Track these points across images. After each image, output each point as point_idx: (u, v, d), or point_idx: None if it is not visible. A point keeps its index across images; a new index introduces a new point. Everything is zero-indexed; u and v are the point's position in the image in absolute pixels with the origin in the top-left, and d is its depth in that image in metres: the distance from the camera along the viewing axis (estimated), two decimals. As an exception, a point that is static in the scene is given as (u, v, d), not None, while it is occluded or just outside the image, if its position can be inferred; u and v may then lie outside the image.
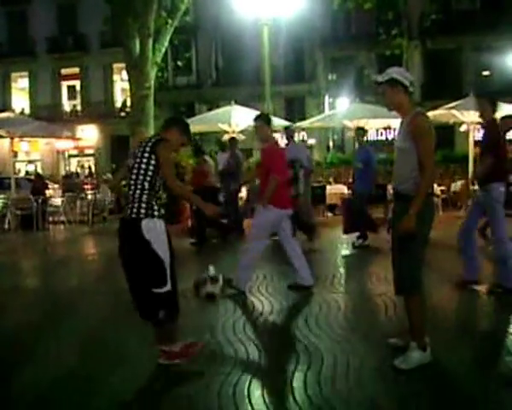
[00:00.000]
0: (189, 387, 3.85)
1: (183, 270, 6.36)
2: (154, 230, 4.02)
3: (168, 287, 4.07)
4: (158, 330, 4.23)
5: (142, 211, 4.02)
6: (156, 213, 4.06)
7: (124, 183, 4.42)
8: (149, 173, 4.05)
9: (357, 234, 9.76)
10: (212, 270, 5.84)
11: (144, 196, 4.05)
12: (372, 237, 9.60)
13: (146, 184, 4.05)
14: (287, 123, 18.84)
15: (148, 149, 4.09)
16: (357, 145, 11.12)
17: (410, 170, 4.03)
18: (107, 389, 3.89)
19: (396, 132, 4.46)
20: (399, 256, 4.13)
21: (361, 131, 10.32)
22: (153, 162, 4.04)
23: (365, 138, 10.57)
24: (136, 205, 4.05)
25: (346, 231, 10.06)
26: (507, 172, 6.47)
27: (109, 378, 4.08)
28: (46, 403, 3.73)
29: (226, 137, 15.76)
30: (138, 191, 4.06)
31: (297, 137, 30.59)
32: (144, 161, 4.06)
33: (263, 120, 6.53)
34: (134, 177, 4.10)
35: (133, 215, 4.04)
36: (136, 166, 4.09)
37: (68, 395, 3.82)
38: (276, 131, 10.04)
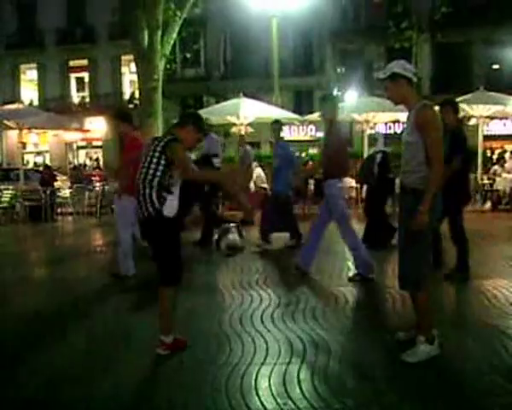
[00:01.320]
0: (196, 377, 3.86)
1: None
2: (169, 203, 4.17)
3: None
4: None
5: (157, 204, 4.13)
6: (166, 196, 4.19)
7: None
8: (158, 174, 4.12)
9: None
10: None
11: (154, 194, 4.13)
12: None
13: (154, 183, 4.13)
14: (295, 116, 18.89)
15: (159, 148, 4.15)
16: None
17: (416, 163, 4.01)
18: (112, 377, 3.91)
19: (404, 126, 4.45)
20: (406, 251, 4.12)
21: (277, 125, 9.25)
22: (163, 162, 4.11)
23: (282, 133, 9.48)
24: (149, 202, 4.15)
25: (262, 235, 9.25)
26: (346, 170, 7.04)
27: (114, 366, 4.12)
28: (51, 389, 3.75)
29: (234, 130, 15.78)
30: (148, 190, 4.14)
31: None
32: (154, 160, 4.13)
33: (119, 116, 7.02)
34: (143, 176, 4.18)
35: (153, 213, 4.15)
36: (147, 164, 4.17)
37: (71, 385, 3.84)
38: (283, 125, 9.89)
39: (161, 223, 4.17)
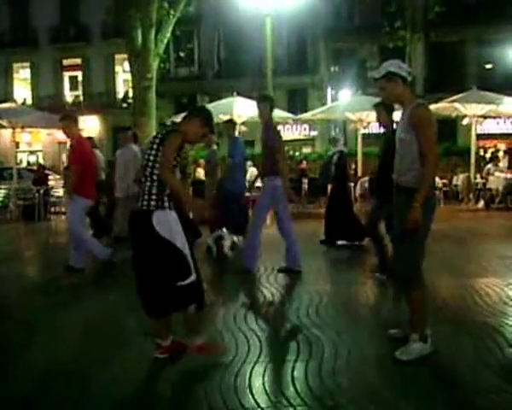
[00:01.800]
0: (190, 376, 3.86)
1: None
2: (167, 222, 3.93)
3: (193, 277, 3.97)
4: (188, 319, 4.15)
5: (153, 203, 3.94)
6: (166, 204, 3.96)
7: None
8: (157, 166, 3.95)
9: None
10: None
11: (154, 189, 3.95)
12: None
13: (154, 177, 3.96)
14: (288, 114, 18.89)
15: (157, 140, 4.03)
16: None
17: (410, 161, 4.04)
18: (105, 376, 3.89)
19: (398, 124, 4.44)
20: (400, 249, 4.15)
21: (228, 123, 9.36)
22: (160, 154, 3.95)
23: (236, 131, 9.48)
24: (146, 198, 3.97)
25: (211, 230, 9.21)
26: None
27: (108, 365, 4.10)
28: (45, 388, 3.74)
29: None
30: (148, 183, 3.99)
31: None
32: (153, 153, 3.99)
33: (68, 119, 7.36)
34: (144, 170, 4.04)
35: (144, 207, 3.96)
36: (147, 157, 4.03)
37: (67, 380, 3.83)
38: (279, 123, 9.88)
39: (146, 226, 3.92)
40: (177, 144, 3.96)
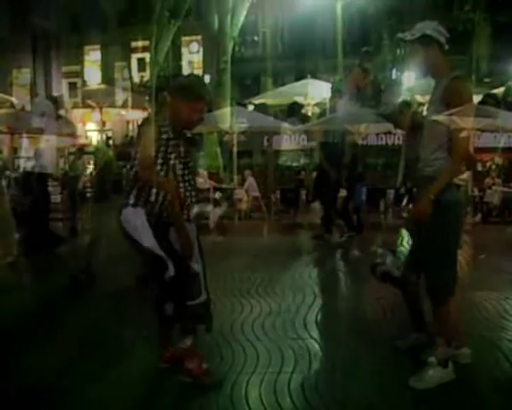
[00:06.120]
0: (186, 386, 3.83)
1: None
2: (131, 219, 3.58)
3: (170, 273, 3.52)
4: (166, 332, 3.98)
5: (122, 201, 3.68)
6: (131, 201, 3.59)
7: None
8: (134, 164, 3.61)
9: None
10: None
11: (128, 187, 3.65)
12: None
13: (131, 174, 3.65)
14: (287, 125, 18.79)
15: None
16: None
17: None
18: (103, 385, 3.86)
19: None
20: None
21: None
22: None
23: None
24: (125, 195, 3.69)
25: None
26: None
27: (106, 375, 4.05)
28: (41, 397, 3.71)
29: (227, 138, 15.74)
30: (126, 182, 3.79)
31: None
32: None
33: None
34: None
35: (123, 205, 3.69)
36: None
37: (64, 389, 3.81)
38: (277, 134, 9.81)
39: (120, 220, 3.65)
40: (150, 137, 3.44)
